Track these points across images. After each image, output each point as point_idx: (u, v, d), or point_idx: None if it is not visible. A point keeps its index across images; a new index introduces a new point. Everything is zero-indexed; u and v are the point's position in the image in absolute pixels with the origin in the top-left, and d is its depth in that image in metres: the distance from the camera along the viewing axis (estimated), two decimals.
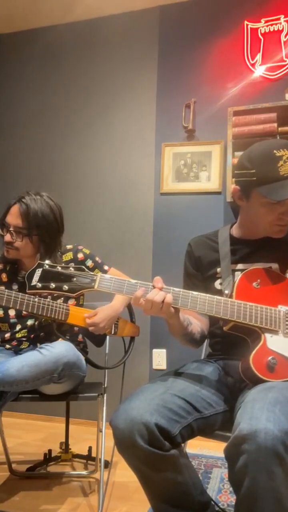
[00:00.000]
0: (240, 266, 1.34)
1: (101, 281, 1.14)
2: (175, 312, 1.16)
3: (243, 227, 1.39)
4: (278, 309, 1.20)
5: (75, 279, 1.14)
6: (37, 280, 1.13)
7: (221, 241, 1.39)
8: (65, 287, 1.13)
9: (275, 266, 1.31)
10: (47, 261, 1.16)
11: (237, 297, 1.21)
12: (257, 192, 1.24)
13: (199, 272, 1.43)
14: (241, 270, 1.28)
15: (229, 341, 1.29)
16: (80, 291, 1.13)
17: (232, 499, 1.75)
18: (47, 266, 1.15)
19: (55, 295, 1.66)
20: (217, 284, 1.37)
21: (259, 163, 1.23)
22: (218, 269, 1.37)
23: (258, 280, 1.24)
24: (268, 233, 1.31)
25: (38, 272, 1.14)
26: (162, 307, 1.11)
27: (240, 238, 1.39)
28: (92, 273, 1.15)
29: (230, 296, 1.22)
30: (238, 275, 1.26)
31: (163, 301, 1.11)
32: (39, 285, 1.13)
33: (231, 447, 0.94)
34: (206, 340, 1.51)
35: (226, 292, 1.25)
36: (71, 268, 1.15)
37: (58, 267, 1.15)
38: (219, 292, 1.29)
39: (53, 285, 1.13)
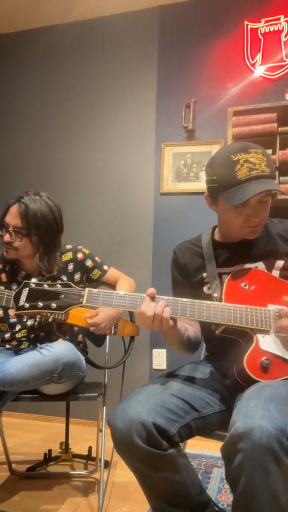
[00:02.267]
0: (225, 269, 1.33)
1: (89, 296, 1.13)
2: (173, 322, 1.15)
3: (221, 231, 1.39)
4: (267, 309, 1.20)
5: (62, 296, 1.13)
6: (24, 300, 1.13)
7: (204, 245, 1.39)
8: (53, 305, 1.12)
9: (261, 265, 1.31)
10: (33, 280, 1.15)
11: (226, 300, 1.21)
12: (222, 198, 1.24)
13: (187, 279, 1.42)
14: (227, 273, 1.28)
15: (224, 344, 1.29)
16: (69, 308, 1.13)
17: (232, 499, 1.75)
18: (33, 285, 1.14)
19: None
20: (205, 289, 1.36)
21: (219, 169, 1.24)
22: (205, 274, 1.36)
23: (246, 281, 1.24)
24: (241, 235, 1.31)
25: (25, 292, 1.13)
26: (162, 321, 1.10)
27: (222, 242, 1.39)
28: (79, 288, 1.14)
29: (220, 299, 1.22)
30: (225, 278, 1.25)
31: (162, 315, 1.10)
32: (27, 305, 1.12)
33: (227, 446, 0.95)
34: (203, 342, 1.51)
35: (215, 295, 1.25)
36: (58, 285, 1.14)
37: (44, 285, 1.14)
38: (209, 297, 1.29)
39: (40, 304, 1.12)
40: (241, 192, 1.18)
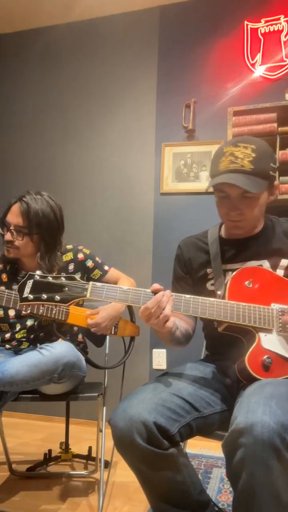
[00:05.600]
0: (230, 266, 1.33)
1: (93, 289, 1.13)
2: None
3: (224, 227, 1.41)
4: (270, 308, 1.20)
5: (66, 288, 1.13)
6: (28, 292, 1.12)
7: (210, 241, 1.39)
8: (57, 297, 1.12)
9: (265, 264, 1.31)
10: (37, 272, 1.15)
11: (230, 298, 1.21)
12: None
13: (188, 275, 1.42)
14: (232, 270, 1.28)
15: (225, 342, 1.29)
16: (73, 301, 1.12)
17: (232, 499, 1.75)
18: (37, 277, 1.14)
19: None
20: (209, 285, 1.36)
21: (212, 159, 1.30)
22: (209, 270, 1.37)
23: (250, 279, 1.24)
24: (228, 229, 1.34)
25: (29, 284, 1.13)
26: (160, 318, 1.10)
27: (228, 238, 1.39)
28: (83, 281, 1.14)
29: (223, 297, 1.22)
30: (230, 275, 1.25)
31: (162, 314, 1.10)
32: (31, 296, 1.12)
33: (229, 442, 0.95)
34: (204, 342, 1.51)
35: (219, 292, 1.25)
36: (62, 278, 1.14)
37: (49, 277, 1.14)
38: (212, 293, 1.29)
39: (44, 296, 1.12)
40: (216, 180, 1.23)
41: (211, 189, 1.30)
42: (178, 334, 1.27)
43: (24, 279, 1.15)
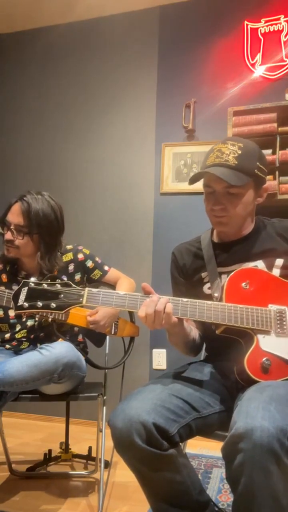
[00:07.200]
0: (225, 268, 1.33)
1: (89, 295, 1.13)
2: (178, 321, 1.15)
3: None
4: (268, 309, 1.20)
5: (62, 295, 1.12)
6: (23, 299, 1.11)
7: (204, 246, 1.40)
8: (53, 305, 1.11)
9: (260, 264, 1.31)
10: (32, 279, 1.14)
11: (227, 300, 1.20)
12: None
13: (186, 280, 1.42)
14: (227, 273, 1.28)
15: (224, 344, 1.28)
16: (69, 308, 1.12)
17: (232, 499, 1.75)
18: (32, 285, 1.13)
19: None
20: (205, 289, 1.36)
21: (203, 159, 1.33)
22: (203, 274, 1.37)
23: (247, 280, 1.24)
24: (213, 225, 1.36)
25: (24, 291, 1.12)
26: (163, 317, 1.10)
27: (220, 242, 1.39)
28: (79, 288, 1.13)
29: (220, 299, 1.22)
30: (226, 277, 1.25)
31: (164, 311, 1.11)
32: (26, 304, 1.11)
33: (228, 446, 0.95)
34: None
35: (216, 294, 1.25)
36: (57, 284, 1.13)
37: (44, 284, 1.13)
38: (209, 297, 1.28)
39: (40, 303, 1.11)
40: (197, 174, 1.27)
41: None
42: (193, 336, 1.28)
43: (19, 287, 1.14)
